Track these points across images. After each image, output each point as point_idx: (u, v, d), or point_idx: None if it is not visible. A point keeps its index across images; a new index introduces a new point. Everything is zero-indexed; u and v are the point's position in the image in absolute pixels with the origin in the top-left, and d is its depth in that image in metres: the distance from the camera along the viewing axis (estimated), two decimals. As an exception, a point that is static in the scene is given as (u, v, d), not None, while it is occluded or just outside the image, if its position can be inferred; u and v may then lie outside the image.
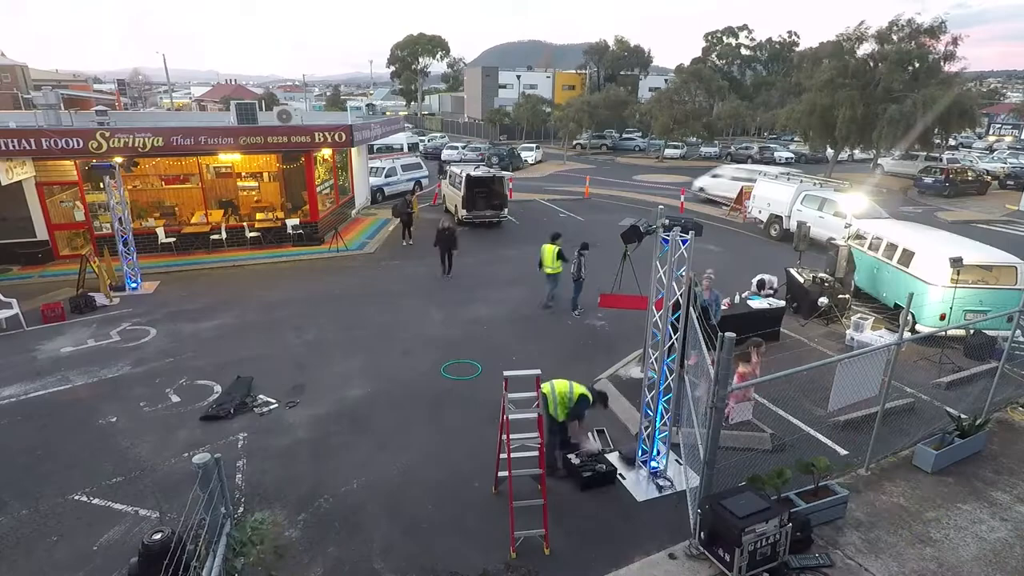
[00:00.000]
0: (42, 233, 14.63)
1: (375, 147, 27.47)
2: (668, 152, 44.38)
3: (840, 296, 11.12)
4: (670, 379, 6.27)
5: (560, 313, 11.73)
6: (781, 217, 18.65)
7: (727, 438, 6.50)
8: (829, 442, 7.16)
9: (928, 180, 29.25)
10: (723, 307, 9.77)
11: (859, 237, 12.39)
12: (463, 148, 39.79)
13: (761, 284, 11.32)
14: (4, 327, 10.38)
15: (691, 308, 5.70)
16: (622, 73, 68.29)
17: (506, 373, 5.43)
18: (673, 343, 6.05)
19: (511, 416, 5.34)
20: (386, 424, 7.64)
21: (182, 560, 3.98)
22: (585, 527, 5.73)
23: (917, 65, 26.56)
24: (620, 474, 6.55)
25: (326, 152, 17.59)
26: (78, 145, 13.57)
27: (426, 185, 26.33)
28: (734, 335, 4.57)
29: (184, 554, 4.05)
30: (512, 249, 17.18)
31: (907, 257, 10.78)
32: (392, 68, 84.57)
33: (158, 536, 4.26)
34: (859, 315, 10.40)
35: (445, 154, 38.78)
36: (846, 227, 14.10)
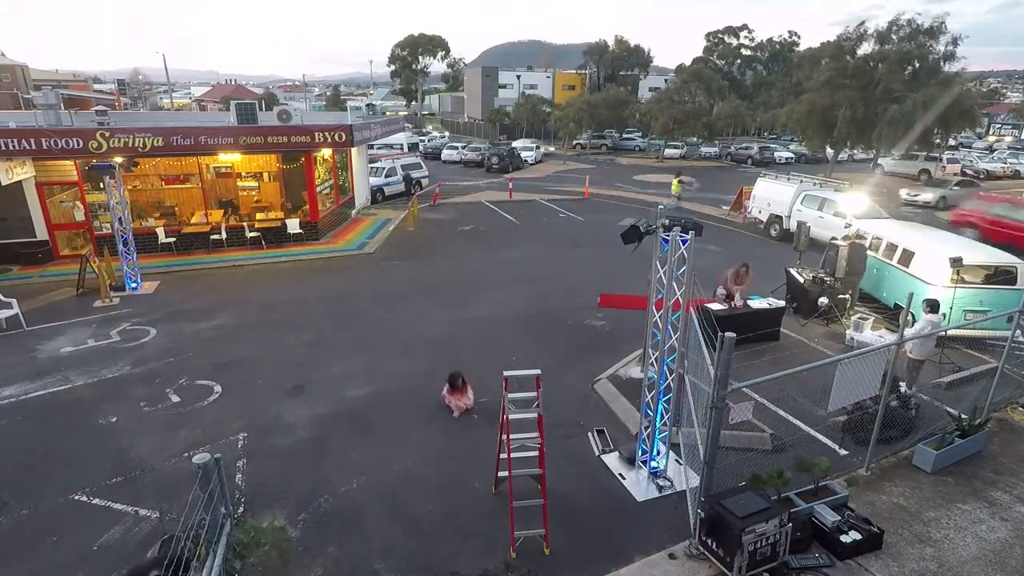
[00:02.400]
0: (42, 233, 14.63)
1: (375, 147, 27.52)
2: (668, 152, 44.38)
3: (840, 296, 11.12)
4: (670, 379, 6.27)
5: (560, 313, 11.72)
6: (781, 217, 18.65)
7: (727, 438, 6.50)
8: (829, 442, 7.16)
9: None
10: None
11: (859, 237, 12.39)
12: (463, 148, 39.82)
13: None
14: (4, 327, 10.38)
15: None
16: (622, 73, 68.26)
17: (506, 373, 5.42)
18: (673, 343, 6.06)
19: (511, 416, 5.33)
20: (386, 424, 7.63)
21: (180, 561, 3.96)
22: (585, 527, 5.73)
23: (917, 65, 26.55)
24: (620, 474, 6.55)
25: (326, 152, 17.60)
26: (78, 145, 13.58)
27: (426, 185, 26.34)
28: (734, 335, 4.57)
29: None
30: (513, 250, 17.17)
31: (907, 257, 10.78)
32: (392, 68, 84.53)
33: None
34: (859, 315, 10.40)
35: (445, 154, 38.82)
36: (846, 227, 14.09)
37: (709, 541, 5.03)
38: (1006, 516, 5.77)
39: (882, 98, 25.90)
